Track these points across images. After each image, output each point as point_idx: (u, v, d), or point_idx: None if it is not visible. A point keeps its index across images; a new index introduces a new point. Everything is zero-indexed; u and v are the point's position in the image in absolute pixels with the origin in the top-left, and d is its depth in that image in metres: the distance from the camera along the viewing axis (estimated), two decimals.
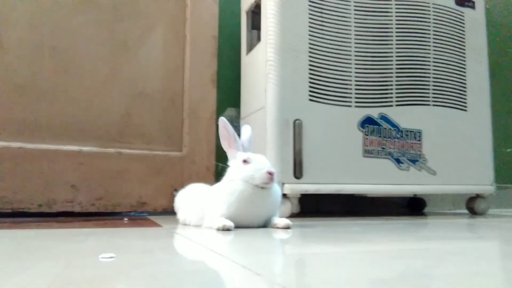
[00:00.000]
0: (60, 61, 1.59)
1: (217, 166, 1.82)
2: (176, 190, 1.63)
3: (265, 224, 1.07)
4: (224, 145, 1.10)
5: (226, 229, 0.96)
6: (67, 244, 0.78)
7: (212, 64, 1.84)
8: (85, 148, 1.59)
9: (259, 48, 1.67)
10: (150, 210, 1.68)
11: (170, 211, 1.67)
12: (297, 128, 1.52)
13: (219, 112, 1.91)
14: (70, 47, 1.61)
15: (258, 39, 1.76)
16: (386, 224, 1.32)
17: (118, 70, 1.69)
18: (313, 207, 1.97)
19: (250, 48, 1.82)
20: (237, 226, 1.00)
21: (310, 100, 1.55)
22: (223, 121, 1.08)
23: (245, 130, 1.16)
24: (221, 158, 1.91)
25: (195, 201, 1.18)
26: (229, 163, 1.11)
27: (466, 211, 1.91)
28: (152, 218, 1.52)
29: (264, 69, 1.57)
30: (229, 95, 1.99)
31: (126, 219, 1.40)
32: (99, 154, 1.60)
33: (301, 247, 0.79)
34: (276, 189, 1.08)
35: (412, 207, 2.21)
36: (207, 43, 1.83)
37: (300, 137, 1.52)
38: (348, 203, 2.12)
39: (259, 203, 1.04)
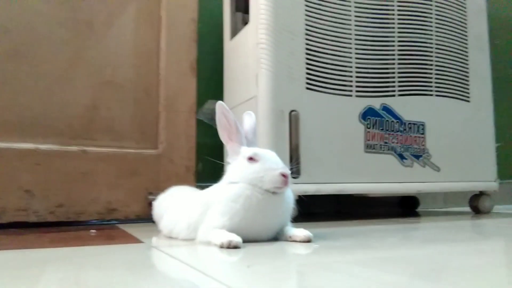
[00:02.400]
0: (12, 44, 1.34)
1: (198, 164, 1.60)
2: (152, 194, 1.42)
3: (277, 236, 0.87)
4: (223, 137, 0.88)
5: (233, 247, 0.75)
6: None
7: (192, 50, 1.62)
8: (43, 146, 1.33)
9: (247, 30, 1.46)
10: (120, 217, 1.44)
11: (144, 218, 1.45)
12: (294, 120, 1.33)
13: (199, 104, 1.70)
14: (25, 28, 1.36)
15: (243, 22, 1.55)
16: (418, 229, 1.16)
17: (82, 55, 1.44)
18: (302, 209, 1.78)
19: (234, 32, 1.61)
20: (243, 240, 0.79)
21: (308, 88, 1.37)
22: (221, 106, 0.86)
23: (248, 118, 0.94)
24: (203, 157, 1.70)
25: (182, 208, 0.96)
26: (229, 159, 0.89)
27: (459, 209, 1.79)
28: (123, 227, 1.28)
29: (254, 53, 1.37)
30: (209, 86, 1.77)
31: (93, 230, 1.17)
32: (59, 153, 1.35)
33: (348, 274, 0.60)
34: (289, 194, 0.88)
35: (404, 206, 2.07)
36: (186, 27, 1.61)
37: (297, 131, 1.33)
38: (337, 203, 1.95)
39: (270, 212, 0.83)
